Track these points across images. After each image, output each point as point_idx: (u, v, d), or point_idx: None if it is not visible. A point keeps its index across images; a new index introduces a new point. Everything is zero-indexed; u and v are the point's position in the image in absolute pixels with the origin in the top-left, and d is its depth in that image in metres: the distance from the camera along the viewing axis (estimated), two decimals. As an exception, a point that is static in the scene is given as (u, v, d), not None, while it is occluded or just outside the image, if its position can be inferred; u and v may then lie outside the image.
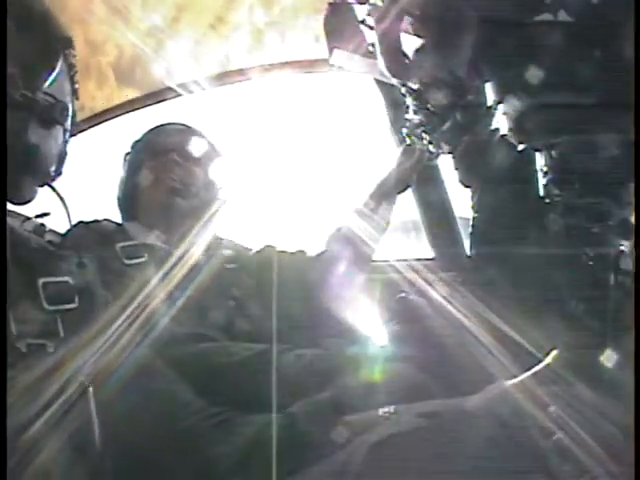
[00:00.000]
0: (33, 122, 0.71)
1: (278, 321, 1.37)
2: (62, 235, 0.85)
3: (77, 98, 0.80)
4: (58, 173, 0.78)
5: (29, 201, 0.76)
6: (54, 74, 0.74)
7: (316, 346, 1.11)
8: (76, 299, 0.76)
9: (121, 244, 1.13)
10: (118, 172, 1.38)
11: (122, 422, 0.77)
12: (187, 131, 1.36)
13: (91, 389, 0.71)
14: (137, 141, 1.39)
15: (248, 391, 1.00)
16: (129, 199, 1.32)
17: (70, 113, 0.76)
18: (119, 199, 1.36)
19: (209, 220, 1.31)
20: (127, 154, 1.38)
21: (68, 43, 0.76)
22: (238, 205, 1.40)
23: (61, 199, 0.77)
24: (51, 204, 0.78)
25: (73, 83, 0.78)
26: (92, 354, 0.75)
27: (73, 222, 0.81)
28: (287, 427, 0.77)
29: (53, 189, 0.76)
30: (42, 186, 0.76)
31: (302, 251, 1.48)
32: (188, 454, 0.77)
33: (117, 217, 1.31)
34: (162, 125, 1.39)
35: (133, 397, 0.80)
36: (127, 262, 1.10)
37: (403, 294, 1.24)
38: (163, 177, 1.27)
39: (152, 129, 1.39)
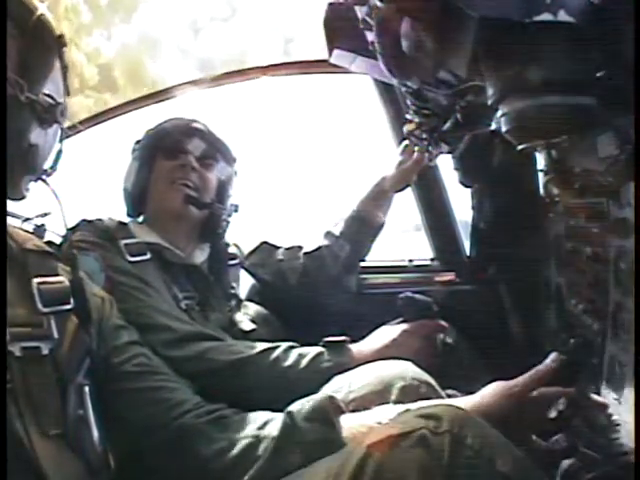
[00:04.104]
0: (34, 122, 0.72)
1: (279, 319, 1.37)
2: (64, 234, 0.85)
3: (68, 94, 0.80)
4: (53, 170, 0.78)
5: (24, 197, 0.76)
6: (52, 74, 0.75)
7: (317, 344, 1.11)
8: (71, 300, 0.76)
9: (125, 241, 1.11)
10: (127, 161, 1.30)
11: (119, 421, 0.77)
12: (205, 133, 1.29)
13: (87, 388, 0.71)
14: (151, 131, 1.30)
15: (249, 389, 1.00)
16: (138, 194, 1.26)
17: (67, 112, 0.76)
18: (126, 191, 1.28)
19: (219, 227, 1.29)
20: (138, 142, 1.31)
21: (62, 42, 0.77)
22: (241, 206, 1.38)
23: (54, 194, 0.77)
24: (44, 201, 0.78)
25: (65, 80, 0.79)
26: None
27: (67, 218, 0.80)
28: (286, 426, 0.77)
29: (46, 183, 0.76)
30: (36, 181, 0.76)
31: (299, 247, 1.48)
32: (184, 451, 0.76)
33: (115, 214, 1.25)
34: (179, 120, 1.32)
35: (130, 396, 0.80)
36: (130, 259, 1.09)
37: (407, 293, 1.24)
38: (178, 183, 1.21)
39: (168, 121, 1.31)
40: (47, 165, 0.77)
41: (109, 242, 1.09)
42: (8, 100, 0.67)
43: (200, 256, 1.28)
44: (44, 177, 0.76)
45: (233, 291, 1.31)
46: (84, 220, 1.13)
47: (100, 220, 1.15)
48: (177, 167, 1.22)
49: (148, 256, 1.12)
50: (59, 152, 0.79)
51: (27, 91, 0.69)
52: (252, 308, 1.34)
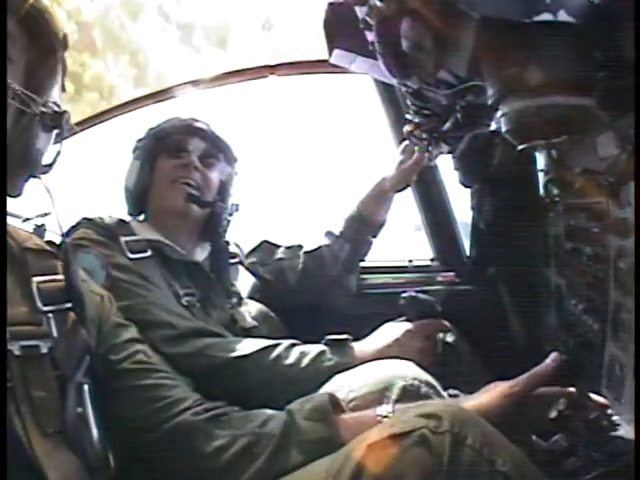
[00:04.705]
0: (40, 129, 0.73)
1: (280, 317, 1.37)
2: (65, 232, 0.85)
3: (64, 90, 0.80)
4: (50, 168, 0.78)
5: (21, 194, 0.76)
6: (56, 79, 0.75)
7: (317, 343, 1.11)
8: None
9: (126, 238, 1.11)
10: (127, 160, 1.29)
11: (118, 419, 0.77)
12: (207, 132, 1.29)
13: (86, 387, 0.71)
14: (153, 130, 1.30)
15: (250, 387, 1.00)
16: (139, 193, 1.26)
17: (70, 119, 0.77)
18: (127, 190, 1.27)
19: (219, 226, 1.29)
20: (140, 140, 1.30)
21: (66, 42, 0.77)
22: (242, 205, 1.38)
23: (47, 191, 0.77)
24: (44, 201, 0.79)
25: (63, 78, 0.79)
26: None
27: (60, 215, 0.80)
28: (286, 424, 0.77)
29: (40, 179, 0.77)
30: (33, 177, 0.76)
31: (299, 246, 1.48)
32: (184, 449, 0.76)
33: (116, 213, 1.24)
34: (181, 119, 1.30)
35: (129, 393, 0.80)
36: (131, 256, 1.09)
37: (410, 292, 1.23)
38: (180, 181, 1.21)
39: (170, 120, 1.30)
40: (47, 164, 0.78)
41: (110, 239, 1.09)
42: (17, 114, 0.69)
43: (201, 254, 1.28)
44: (39, 175, 0.76)
45: (234, 289, 1.31)
46: (85, 218, 1.13)
47: (101, 218, 1.15)
48: (179, 166, 1.23)
49: (149, 253, 1.12)
50: (57, 153, 0.79)
51: (40, 105, 0.71)
52: (253, 306, 1.34)
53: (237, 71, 1.70)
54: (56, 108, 0.74)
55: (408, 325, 1.17)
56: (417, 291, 1.26)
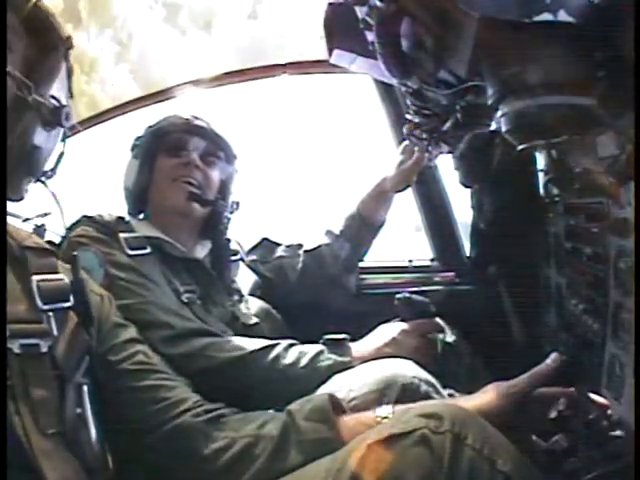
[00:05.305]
0: (39, 124, 0.73)
1: (281, 315, 1.37)
2: (66, 229, 0.84)
3: (71, 96, 0.80)
4: (54, 172, 0.78)
5: (23, 198, 0.76)
6: (58, 75, 0.75)
7: (317, 342, 1.11)
8: (71, 297, 0.76)
9: (125, 235, 1.11)
10: (127, 158, 1.28)
11: (117, 419, 0.77)
12: (207, 130, 1.28)
13: (85, 387, 0.71)
14: (151, 128, 1.29)
15: (249, 387, 1.00)
16: (139, 192, 1.25)
17: (72, 115, 0.77)
18: (127, 189, 1.27)
19: (220, 224, 1.29)
20: (138, 139, 1.29)
21: (70, 43, 0.77)
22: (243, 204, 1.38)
23: (54, 196, 0.77)
24: (44, 202, 0.79)
25: (70, 81, 0.79)
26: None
27: (66, 220, 0.80)
28: (286, 425, 0.77)
29: (45, 185, 0.77)
30: (35, 182, 0.76)
31: (299, 245, 1.48)
32: (183, 450, 0.76)
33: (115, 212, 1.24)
34: (180, 117, 1.29)
35: (128, 394, 0.80)
36: (130, 253, 1.08)
37: (405, 293, 1.24)
38: (181, 180, 1.21)
39: (169, 119, 1.29)
40: (48, 167, 0.77)
41: (109, 237, 1.09)
42: (14, 100, 0.68)
43: (201, 251, 1.28)
44: (43, 179, 0.76)
45: (235, 286, 1.32)
46: (84, 216, 1.12)
47: (100, 215, 1.14)
48: (180, 165, 1.22)
49: (148, 250, 1.12)
50: (61, 155, 0.79)
51: (34, 93, 0.70)
52: (254, 303, 1.34)
53: (236, 71, 1.70)
54: (56, 103, 0.74)
55: (404, 325, 1.18)
56: (416, 291, 1.26)
